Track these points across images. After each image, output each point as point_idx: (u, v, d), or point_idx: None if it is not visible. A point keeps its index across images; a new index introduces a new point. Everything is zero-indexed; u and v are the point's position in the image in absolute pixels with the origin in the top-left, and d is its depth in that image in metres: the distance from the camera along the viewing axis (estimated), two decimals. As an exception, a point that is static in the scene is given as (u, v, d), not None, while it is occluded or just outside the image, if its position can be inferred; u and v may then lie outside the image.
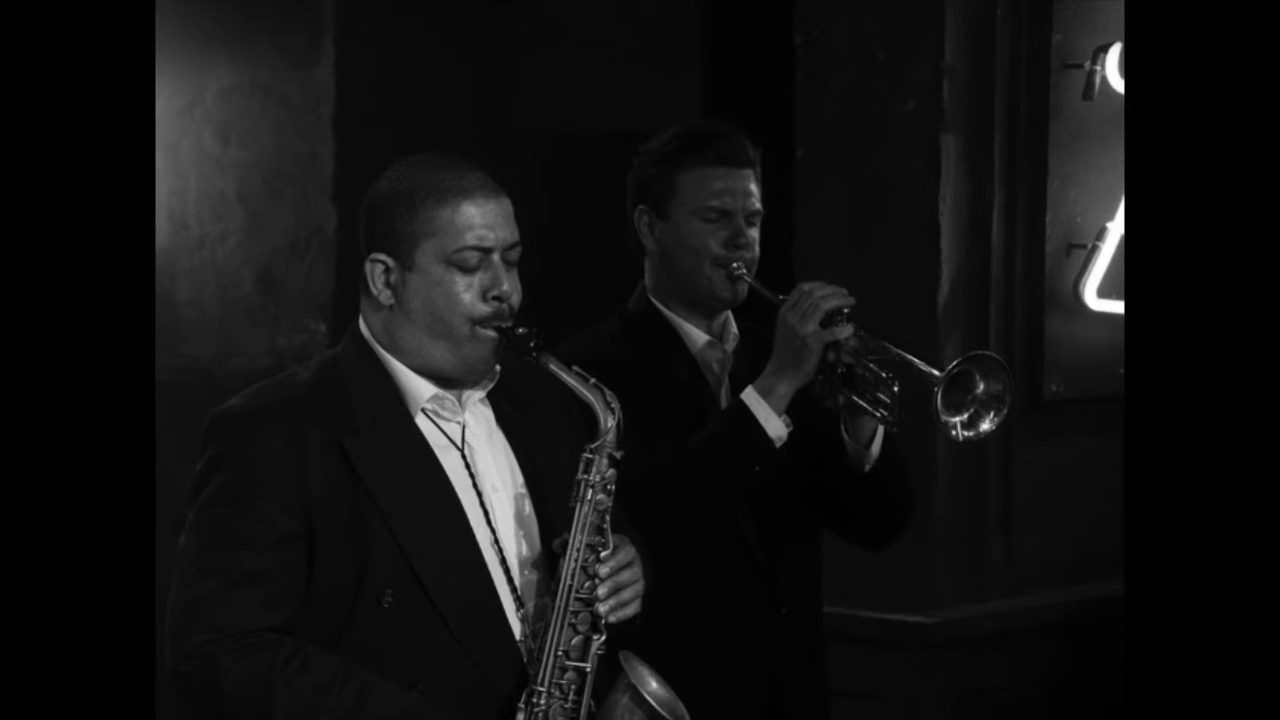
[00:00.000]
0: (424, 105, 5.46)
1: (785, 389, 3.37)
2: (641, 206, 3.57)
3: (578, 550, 2.90)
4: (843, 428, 3.44)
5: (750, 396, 3.37)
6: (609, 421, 2.93)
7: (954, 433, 3.33)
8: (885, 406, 3.34)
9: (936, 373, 3.29)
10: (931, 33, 4.54)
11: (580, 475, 2.92)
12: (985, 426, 3.34)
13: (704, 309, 3.56)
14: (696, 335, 3.57)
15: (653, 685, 2.93)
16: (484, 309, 2.92)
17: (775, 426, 3.36)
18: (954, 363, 3.31)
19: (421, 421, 2.96)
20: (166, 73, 5.75)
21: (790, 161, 4.65)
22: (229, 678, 2.81)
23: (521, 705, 2.87)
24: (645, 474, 3.26)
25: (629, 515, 3.09)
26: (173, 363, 5.80)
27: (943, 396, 3.28)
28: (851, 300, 3.39)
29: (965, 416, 3.33)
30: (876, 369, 3.34)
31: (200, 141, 5.75)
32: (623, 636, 2.94)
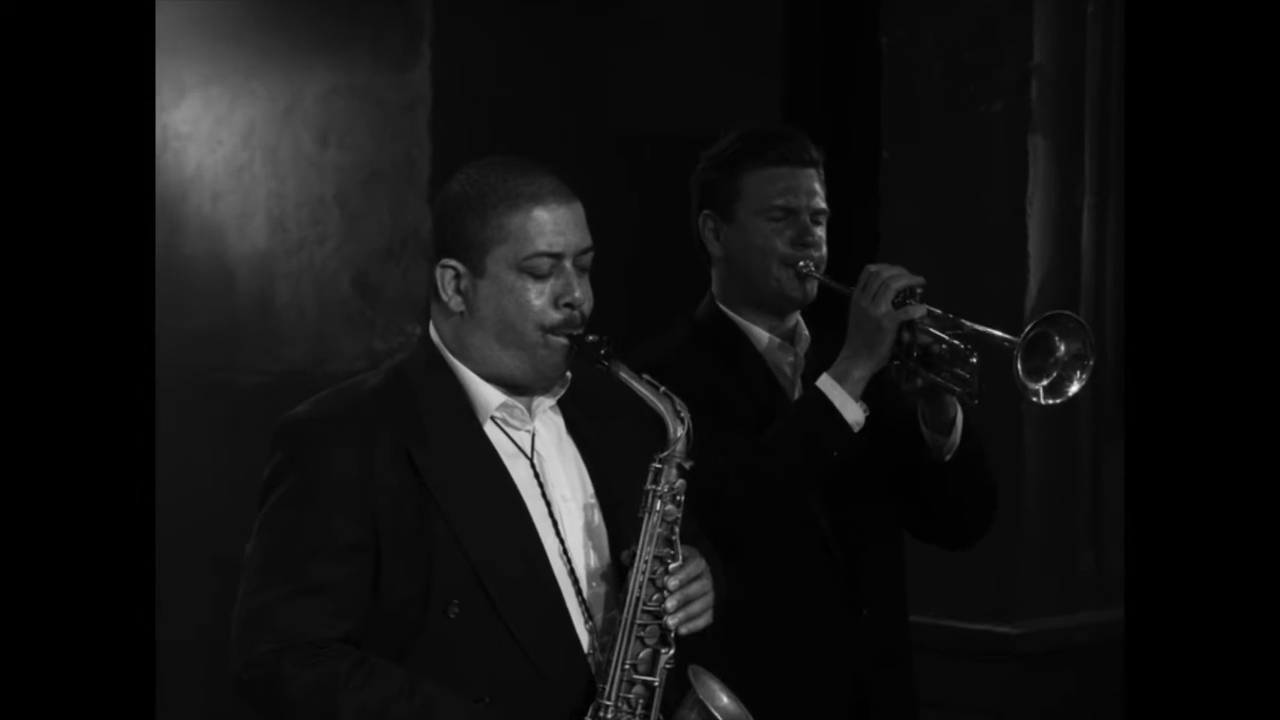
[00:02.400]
0: (518, 108, 5.45)
1: (861, 373, 3.34)
2: (706, 211, 3.56)
3: (645, 562, 2.86)
4: (920, 417, 3.39)
5: (826, 383, 3.34)
6: (678, 431, 2.89)
7: (1038, 399, 3.25)
8: (964, 382, 3.29)
9: (1013, 339, 3.22)
10: (1019, 31, 4.48)
11: (648, 486, 2.89)
12: (1072, 389, 3.26)
13: (773, 311, 3.54)
14: (766, 338, 3.55)
15: (723, 700, 2.89)
16: (555, 316, 2.89)
17: (852, 411, 3.32)
18: (1030, 326, 3.24)
19: (490, 430, 2.93)
20: (265, 76, 5.80)
21: (875, 164, 4.61)
22: (294, 688, 2.79)
23: (588, 719, 2.83)
24: (722, 468, 3.24)
25: (705, 512, 3.06)
26: (271, 365, 5.84)
27: (1023, 363, 3.21)
28: (921, 280, 3.35)
29: (1048, 381, 3.25)
30: (954, 343, 3.30)
31: (299, 144, 5.79)
32: (693, 649, 2.90)
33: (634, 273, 4.89)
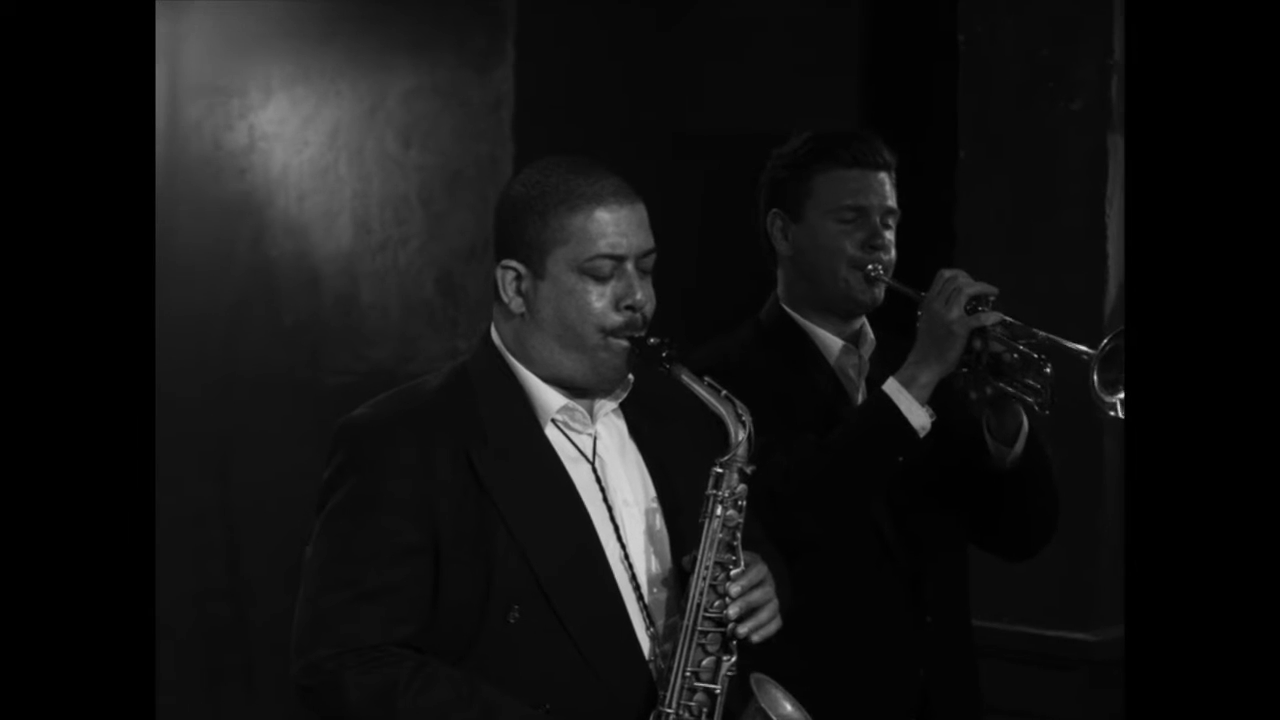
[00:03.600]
0: (603, 107, 5.44)
1: (928, 378, 3.29)
2: (775, 210, 3.53)
3: (706, 568, 2.82)
4: (985, 425, 3.34)
5: (892, 387, 3.30)
6: (740, 435, 2.85)
7: (1114, 412, 3.19)
8: (1036, 392, 3.24)
9: (1090, 351, 3.16)
10: (1099, 28, 4.41)
11: (710, 490, 2.85)
12: None
13: (840, 313, 3.50)
14: (831, 341, 3.51)
15: (786, 709, 2.86)
16: (616, 319, 2.86)
17: (918, 416, 3.28)
18: (1107, 339, 3.18)
19: (551, 433, 2.90)
20: (350, 76, 5.82)
21: (952, 163, 4.55)
22: (353, 694, 2.78)
23: (649, 726, 2.81)
24: (786, 470, 3.20)
25: (768, 516, 3.01)
26: (355, 366, 5.87)
27: (1099, 375, 3.16)
28: (995, 290, 3.30)
29: (1124, 394, 3.19)
30: (1026, 352, 3.25)
31: (383, 145, 5.81)
32: (755, 657, 2.87)
33: (708, 274, 4.87)
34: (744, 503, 2.85)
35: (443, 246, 5.66)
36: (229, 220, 6.15)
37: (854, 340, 3.52)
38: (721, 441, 2.86)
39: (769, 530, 3.06)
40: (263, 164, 6.07)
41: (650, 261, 2.90)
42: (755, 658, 2.87)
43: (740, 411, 2.86)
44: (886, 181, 3.48)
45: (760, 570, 2.86)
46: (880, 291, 3.46)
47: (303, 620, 2.84)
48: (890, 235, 3.48)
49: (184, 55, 6.23)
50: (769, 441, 2.94)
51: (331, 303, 5.97)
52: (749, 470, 2.85)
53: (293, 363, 6.04)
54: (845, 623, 3.38)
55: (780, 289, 3.55)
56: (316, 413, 5.75)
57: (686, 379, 2.86)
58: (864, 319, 3.54)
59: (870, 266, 3.44)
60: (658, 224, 2.94)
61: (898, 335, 3.44)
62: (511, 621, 2.80)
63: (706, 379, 2.87)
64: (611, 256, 2.85)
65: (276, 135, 6.04)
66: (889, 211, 3.47)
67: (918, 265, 3.52)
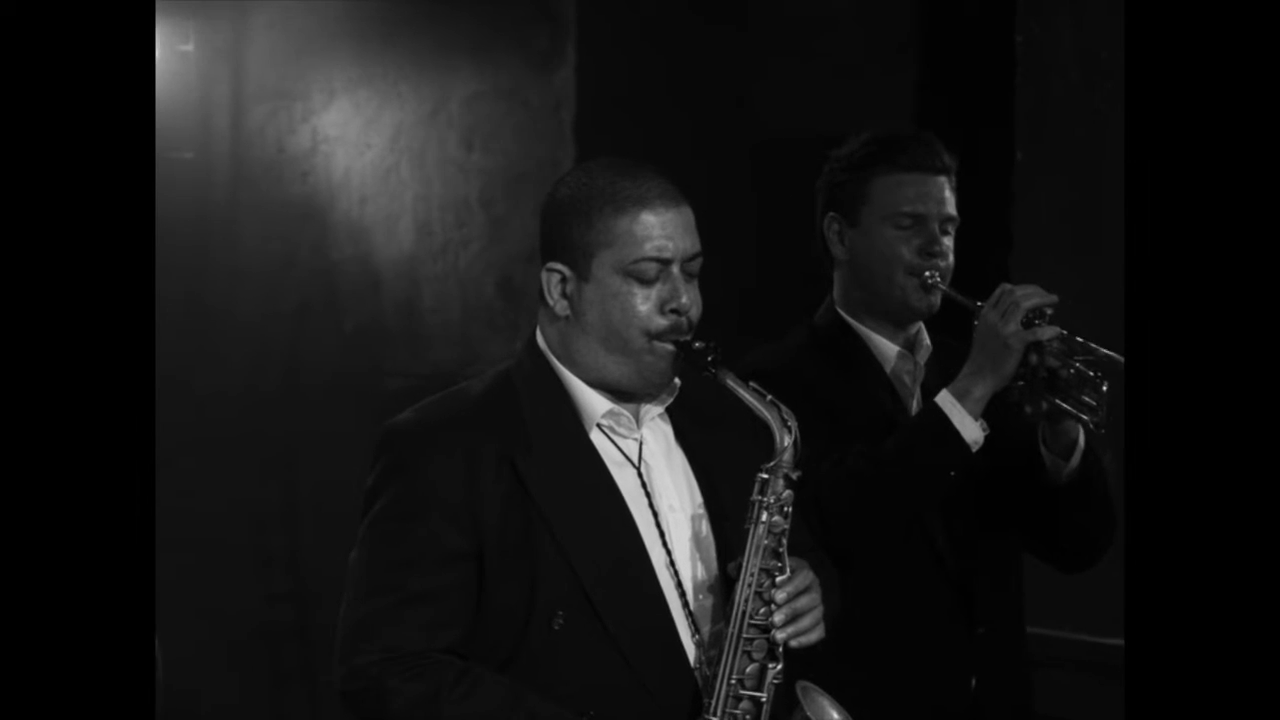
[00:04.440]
0: (663, 109, 5.42)
1: (982, 391, 3.24)
2: (831, 214, 3.49)
3: (751, 575, 2.79)
4: (1040, 438, 3.30)
5: (945, 399, 3.25)
6: (785, 440, 2.81)
7: None
8: (1091, 409, 3.19)
9: None
10: (1157, 28, 4.34)
11: (754, 496, 2.81)
12: None
13: (895, 320, 3.46)
14: (886, 347, 3.47)
15: (833, 717, 2.82)
16: (661, 322, 2.83)
17: (971, 430, 3.23)
18: None
19: (596, 437, 2.88)
20: (411, 79, 5.84)
21: (1009, 165, 4.50)
22: (397, 700, 2.76)
23: (694, 734, 2.78)
24: (834, 480, 3.16)
25: (815, 523, 2.98)
26: (417, 368, 5.88)
27: None
28: (1054, 299, 3.25)
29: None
30: (1083, 368, 3.20)
31: (444, 147, 5.82)
32: (802, 664, 2.83)
33: (768, 276, 4.84)
34: (790, 509, 2.81)
35: (504, 249, 5.67)
36: (292, 224, 6.18)
37: (909, 346, 3.48)
38: (767, 447, 2.83)
39: (817, 539, 3.02)
40: (325, 167, 6.10)
41: (697, 265, 2.86)
42: (802, 665, 2.83)
43: (786, 417, 2.82)
44: (945, 186, 3.43)
45: (806, 577, 2.82)
46: (936, 299, 3.41)
47: (346, 626, 2.82)
48: (949, 242, 3.43)
49: (247, 59, 6.26)
50: (817, 449, 2.89)
51: (393, 306, 5.98)
52: (795, 476, 2.81)
53: (354, 366, 6.06)
54: (895, 631, 3.35)
55: (836, 293, 3.51)
56: (378, 416, 5.73)
57: (731, 383, 2.82)
58: (920, 324, 3.49)
59: (927, 274, 3.39)
60: (716, 226, 2.90)
61: (955, 339, 3.38)
62: (555, 628, 2.78)
63: (752, 383, 2.84)
64: (657, 260, 2.82)
65: (339, 138, 6.06)
66: (947, 218, 3.42)
67: (975, 268, 3.47)
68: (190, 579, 5.86)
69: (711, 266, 2.90)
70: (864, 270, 3.45)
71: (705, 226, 2.88)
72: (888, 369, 3.46)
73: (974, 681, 3.37)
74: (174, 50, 6.11)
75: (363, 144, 6.01)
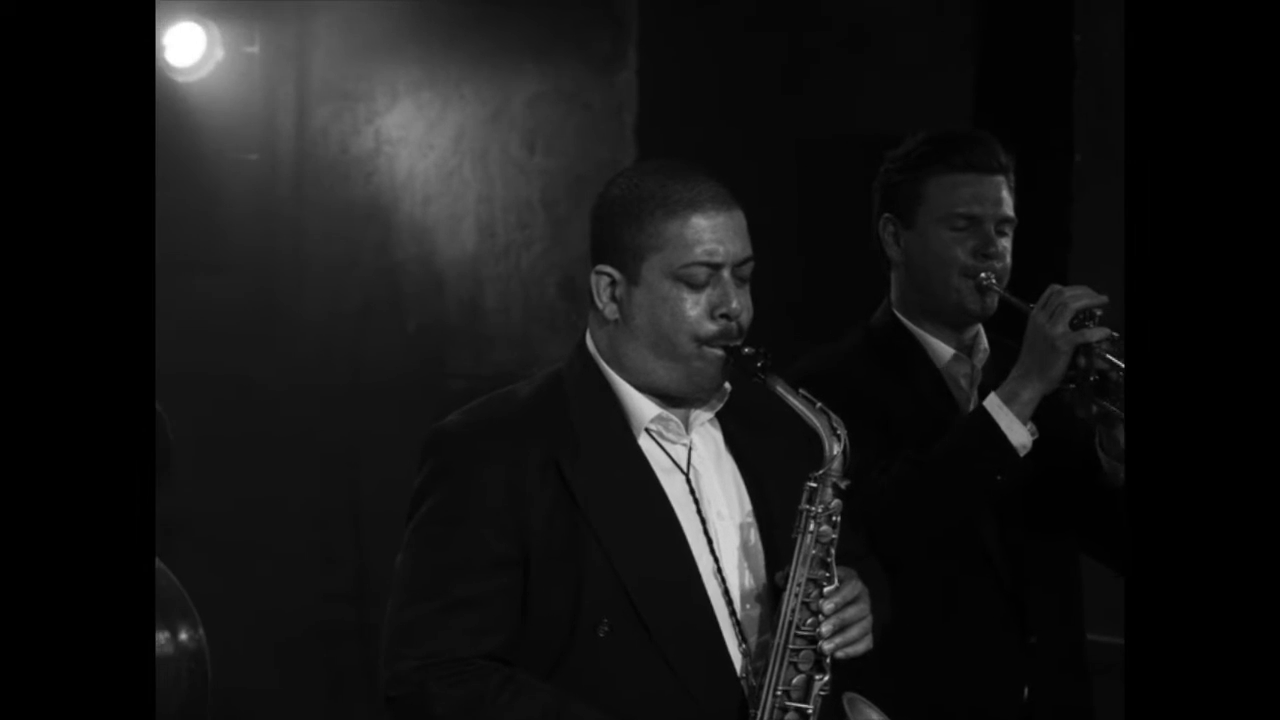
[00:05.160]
0: (725, 110, 5.40)
1: (1030, 394, 3.19)
2: (887, 215, 3.45)
3: (799, 585, 2.76)
4: (1097, 441, 3.24)
5: (992, 403, 3.20)
6: (834, 449, 2.78)
7: None
8: None
9: None
10: (1215, 29, 4.27)
11: (803, 505, 2.78)
12: None
13: (951, 322, 3.41)
14: (942, 350, 3.42)
15: (881, 730, 2.79)
16: (711, 327, 2.80)
17: (1019, 434, 3.18)
18: None
19: (645, 443, 2.85)
20: (474, 80, 5.85)
21: (1068, 166, 4.44)
22: (440, 706, 2.74)
23: (740, 745, 2.75)
24: (883, 485, 3.12)
25: (864, 529, 2.95)
26: (479, 369, 5.88)
27: None
28: (1104, 300, 3.19)
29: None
30: None
31: (507, 149, 5.82)
32: (850, 675, 2.80)
33: (820, 279, 4.81)
34: (838, 518, 2.78)
35: (565, 251, 5.66)
36: (355, 224, 6.20)
37: (966, 349, 3.43)
38: (818, 454, 2.79)
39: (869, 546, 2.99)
40: (388, 168, 6.11)
41: (748, 270, 2.83)
42: (850, 675, 2.80)
43: (835, 425, 2.78)
44: (1002, 186, 3.38)
45: (855, 587, 2.79)
46: (992, 301, 3.36)
47: (391, 630, 2.81)
48: (1005, 243, 3.38)
49: (311, 61, 6.28)
50: (866, 458, 2.85)
51: (455, 306, 5.99)
52: (844, 485, 2.78)
53: (417, 366, 6.06)
54: (944, 640, 3.31)
55: (893, 294, 3.47)
56: (440, 416, 5.74)
57: (781, 390, 2.79)
58: (979, 326, 3.44)
59: (983, 275, 3.34)
60: (775, 227, 2.86)
61: (1015, 341, 3.33)
62: (601, 635, 2.75)
63: (801, 390, 2.80)
64: (707, 264, 2.79)
65: (402, 140, 6.07)
66: (1004, 219, 3.37)
67: (1032, 270, 3.42)
68: (249, 577, 5.88)
69: (762, 271, 2.87)
70: (919, 272, 3.41)
71: (756, 230, 2.85)
72: (944, 372, 3.41)
73: (1026, 692, 3.32)
74: (239, 52, 6.14)
75: (426, 145, 6.02)
